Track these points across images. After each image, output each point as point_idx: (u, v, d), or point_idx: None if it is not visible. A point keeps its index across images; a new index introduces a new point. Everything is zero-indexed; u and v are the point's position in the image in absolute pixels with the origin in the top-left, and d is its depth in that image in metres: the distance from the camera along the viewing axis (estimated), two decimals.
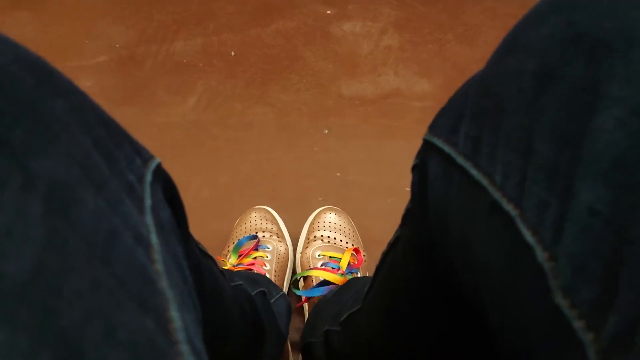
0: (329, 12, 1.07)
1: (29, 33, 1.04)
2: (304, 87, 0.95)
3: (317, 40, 1.02)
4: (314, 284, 0.64)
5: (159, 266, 0.17)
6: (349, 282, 0.60)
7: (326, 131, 0.88)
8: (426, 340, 0.32)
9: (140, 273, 0.16)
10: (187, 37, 1.03)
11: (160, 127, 0.89)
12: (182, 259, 0.22)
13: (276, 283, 0.66)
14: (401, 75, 0.96)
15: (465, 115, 0.22)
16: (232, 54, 1.00)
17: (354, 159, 0.84)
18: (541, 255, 0.16)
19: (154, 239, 0.18)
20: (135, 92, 0.95)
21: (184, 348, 0.16)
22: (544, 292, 0.16)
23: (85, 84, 0.96)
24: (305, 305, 0.68)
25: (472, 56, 0.99)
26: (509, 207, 0.18)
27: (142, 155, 0.22)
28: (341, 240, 0.69)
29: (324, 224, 0.71)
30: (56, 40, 1.03)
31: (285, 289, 0.69)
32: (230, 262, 0.65)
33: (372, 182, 0.81)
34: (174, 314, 0.16)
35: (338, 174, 0.82)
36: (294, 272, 0.72)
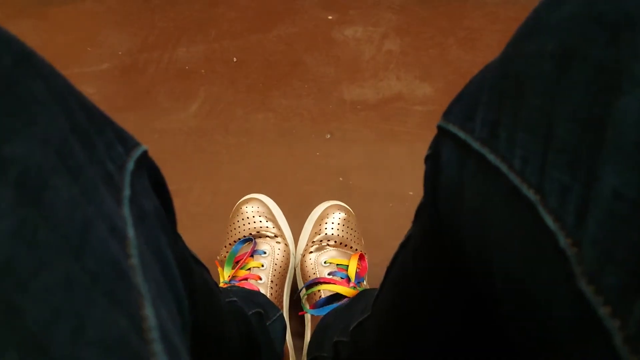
0: (330, 17, 1.08)
1: (32, 41, 1.04)
2: (305, 92, 0.95)
3: (319, 46, 1.02)
4: (321, 293, 0.62)
5: (134, 260, 0.17)
6: (359, 294, 0.58)
7: (328, 136, 0.88)
8: (434, 339, 0.32)
9: (114, 267, 0.15)
10: (189, 43, 1.04)
11: (162, 133, 0.89)
12: (167, 250, 0.21)
13: (274, 292, 0.63)
14: (403, 79, 0.96)
15: (482, 100, 0.21)
16: (234, 60, 1.00)
17: (356, 164, 0.84)
18: (564, 240, 0.16)
19: (131, 231, 0.18)
20: (138, 98, 0.95)
21: (158, 347, 0.15)
22: (566, 278, 0.16)
23: (88, 90, 0.96)
24: (307, 315, 0.65)
25: (474, 60, 0.99)
26: (529, 192, 0.17)
27: (126, 143, 0.21)
28: (346, 245, 0.66)
29: (332, 225, 0.66)
30: (59, 48, 1.04)
31: (286, 291, 0.67)
32: (225, 271, 0.63)
33: (374, 187, 0.81)
34: (149, 311, 0.16)
35: (340, 179, 0.82)
36: (296, 272, 0.69)
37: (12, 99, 0.15)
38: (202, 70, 0.99)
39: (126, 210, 0.18)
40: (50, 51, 1.03)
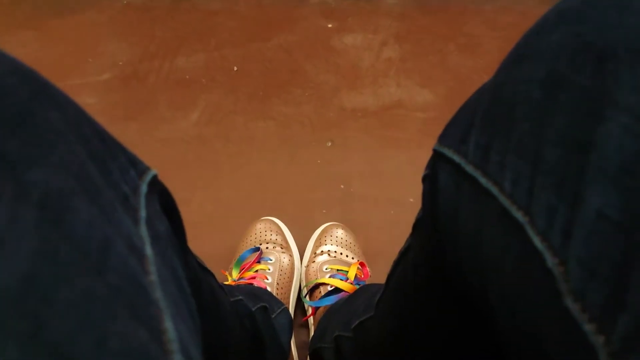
0: (329, 25, 1.08)
1: (33, 52, 1.05)
2: (305, 100, 0.95)
3: (319, 54, 1.03)
4: (322, 294, 0.64)
5: (153, 277, 0.17)
6: (359, 289, 0.60)
7: (329, 144, 0.88)
8: (436, 343, 0.33)
9: (134, 283, 0.16)
10: (189, 52, 1.04)
11: (162, 142, 0.89)
12: (180, 270, 0.22)
13: (280, 295, 0.65)
14: (403, 86, 0.97)
15: (475, 124, 0.22)
16: (235, 68, 1.01)
17: (357, 171, 0.84)
18: (551, 260, 0.17)
19: (148, 250, 0.18)
20: (138, 108, 0.95)
21: (178, 358, 0.16)
22: (554, 296, 0.16)
23: (89, 101, 0.96)
24: (311, 319, 0.67)
25: (474, 66, 0.99)
26: (518, 214, 0.18)
27: (137, 167, 0.22)
28: (347, 256, 0.69)
29: (332, 239, 0.71)
30: (60, 59, 1.04)
31: (291, 301, 0.68)
32: (232, 276, 0.65)
33: (375, 194, 0.81)
34: (168, 324, 0.16)
35: (341, 186, 0.82)
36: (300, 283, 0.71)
37: (32, 129, 0.16)
38: (203, 79, 0.99)
39: (143, 230, 0.19)
40: (51, 62, 1.03)
